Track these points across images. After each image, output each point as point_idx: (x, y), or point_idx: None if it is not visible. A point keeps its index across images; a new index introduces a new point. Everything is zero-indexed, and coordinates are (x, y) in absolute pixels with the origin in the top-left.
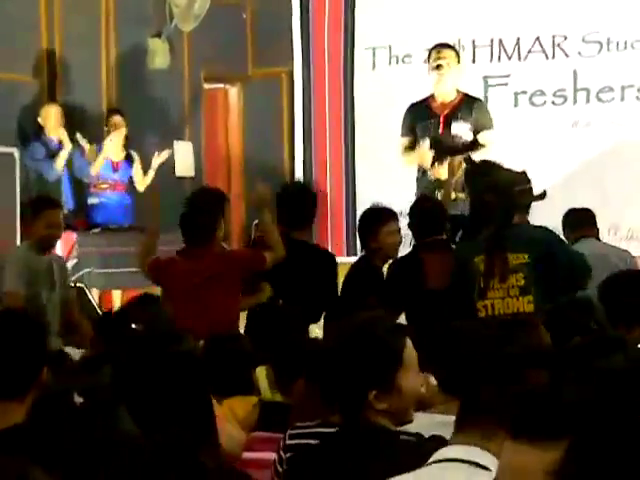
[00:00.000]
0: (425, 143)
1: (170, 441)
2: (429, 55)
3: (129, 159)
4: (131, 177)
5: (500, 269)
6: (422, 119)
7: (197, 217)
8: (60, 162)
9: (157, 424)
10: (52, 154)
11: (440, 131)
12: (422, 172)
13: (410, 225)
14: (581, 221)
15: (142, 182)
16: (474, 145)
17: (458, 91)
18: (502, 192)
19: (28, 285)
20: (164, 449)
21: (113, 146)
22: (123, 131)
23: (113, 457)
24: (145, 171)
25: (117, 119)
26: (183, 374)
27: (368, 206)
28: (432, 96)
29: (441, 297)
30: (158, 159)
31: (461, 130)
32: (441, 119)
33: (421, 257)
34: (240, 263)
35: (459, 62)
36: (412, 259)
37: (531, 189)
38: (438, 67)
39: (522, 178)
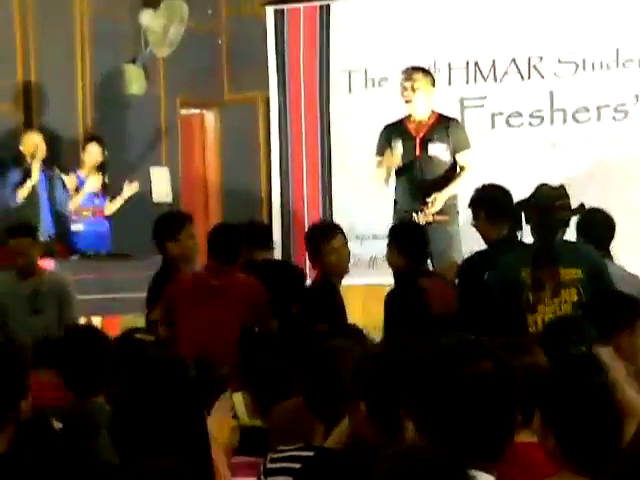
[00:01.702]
0: (397, 146)
1: (153, 470)
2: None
3: (104, 186)
4: None
5: (552, 283)
6: (397, 138)
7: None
8: (23, 192)
9: (153, 452)
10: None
11: (417, 153)
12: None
13: (401, 249)
14: (607, 238)
15: (110, 208)
16: (454, 173)
17: (433, 111)
18: (543, 209)
19: (2, 312)
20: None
21: (93, 178)
22: (98, 160)
23: None
24: (112, 198)
25: (93, 149)
26: (184, 402)
27: (344, 228)
28: (408, 117)
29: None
30: (129, 189)
31: (438, 151)
32: (417, 141)
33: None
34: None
35: (433, 84)
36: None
37: (569, 203)
38: (404, 91)
39: (561, 193)
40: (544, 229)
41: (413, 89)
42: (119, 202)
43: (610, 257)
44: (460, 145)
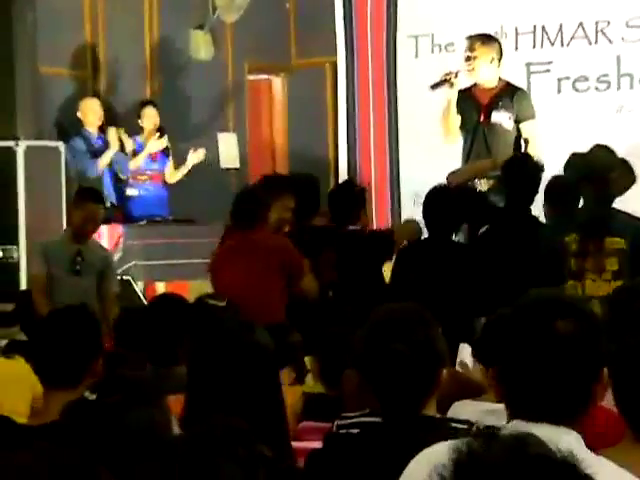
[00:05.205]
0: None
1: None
2: None
3: (165, 150)
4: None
5: (596, 252)
6: (467, 110)
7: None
8: (104, 161)
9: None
10: (92, 149)
11: (482, 120)
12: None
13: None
14: None
15: (173, 176)
16: (519, 145)
17: (500, 79)
18: (598, 179)
19: (49, 266)
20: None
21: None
22: (156, 123)
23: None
24: (179, 164)
25: (149, 111)
26: (256, 365)
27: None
28: (476, 84)
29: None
30: (194, 156)
31: (501, 119)
32: (483, 108)
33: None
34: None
35: (497, 50)
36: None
37: (629, 172)
38: (466, 61)
39: (618, 162)
40: (600, 200)
41: (474, 59)
42: (183, 171)
43: None
44: (525, 114)
